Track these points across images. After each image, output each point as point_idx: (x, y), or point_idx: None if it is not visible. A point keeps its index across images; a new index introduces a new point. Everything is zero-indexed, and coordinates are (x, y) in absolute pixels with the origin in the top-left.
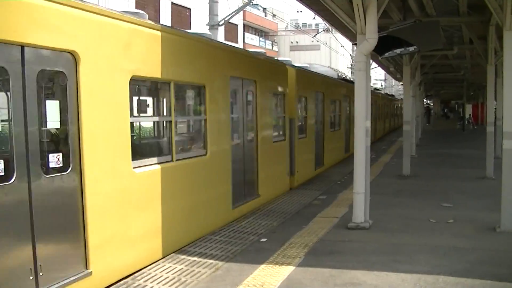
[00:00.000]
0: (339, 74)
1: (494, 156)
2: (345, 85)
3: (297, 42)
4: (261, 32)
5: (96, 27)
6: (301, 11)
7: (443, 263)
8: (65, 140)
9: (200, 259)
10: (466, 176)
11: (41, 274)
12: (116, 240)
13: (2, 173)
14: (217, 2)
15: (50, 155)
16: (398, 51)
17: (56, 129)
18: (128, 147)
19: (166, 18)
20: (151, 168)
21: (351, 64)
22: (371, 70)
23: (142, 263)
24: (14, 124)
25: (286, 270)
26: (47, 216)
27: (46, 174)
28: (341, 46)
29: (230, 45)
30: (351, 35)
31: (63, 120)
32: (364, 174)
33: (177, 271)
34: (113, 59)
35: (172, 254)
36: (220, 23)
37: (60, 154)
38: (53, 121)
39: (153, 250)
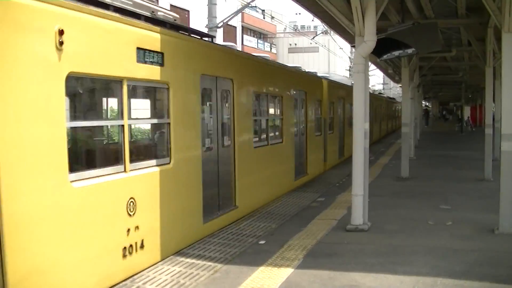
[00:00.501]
0: (353, 82)
1: (492, 158)
2: None
3: (295, 44)
4: (260, 34)
5: (240, 62)
6: (299, 13)
7: (442, 265)
8: (228, 129)
9: (198, 261)
10: (464, 177)
11: (220, 203)
12: (248, 186)
13: (210, 145)
14: (215, 4)
15: (224, 137)
16: (396, 53)
17: (224, 122)
18: (252, 133)
19: None
20: (260, 147)
21: (350, 66)
22: (370, 73)
23: (261, 202)
24: (216, 120)
25: (284, 272)
26: (223, 170)
27: (223, 147)
28: (340, 48)
29: (294, 67)
30: (350, 37)
31: (228, 118)
32: (362, 176)
33: (176, 274)
34: (247, 81)
35: (171, 256)
36: (219, 25)
37: (227, 136)
38: (226, 117)
39: (264, 195)
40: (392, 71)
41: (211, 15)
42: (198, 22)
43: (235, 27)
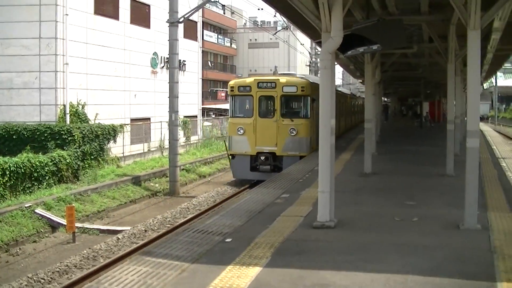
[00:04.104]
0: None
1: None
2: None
3: (255, 39)
4: (220, 30)
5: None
6: (262, 9)
7: (411, 262)
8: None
9: (165, 260)
10: (426, 173)
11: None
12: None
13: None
14: None
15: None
16: (361, 49)
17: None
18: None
19: (125, 15)
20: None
21: (310, 62)
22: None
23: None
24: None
25: (253, 271)
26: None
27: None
28: (301, 44)
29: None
30: (312, 33)
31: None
32: (329, 172)
33: (143, 274)
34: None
35: (137, 255)
36: (180, 20)
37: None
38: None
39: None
40: (354, 67)
41: (172, 10)
42: (159, 16)
43: (196, 22)
